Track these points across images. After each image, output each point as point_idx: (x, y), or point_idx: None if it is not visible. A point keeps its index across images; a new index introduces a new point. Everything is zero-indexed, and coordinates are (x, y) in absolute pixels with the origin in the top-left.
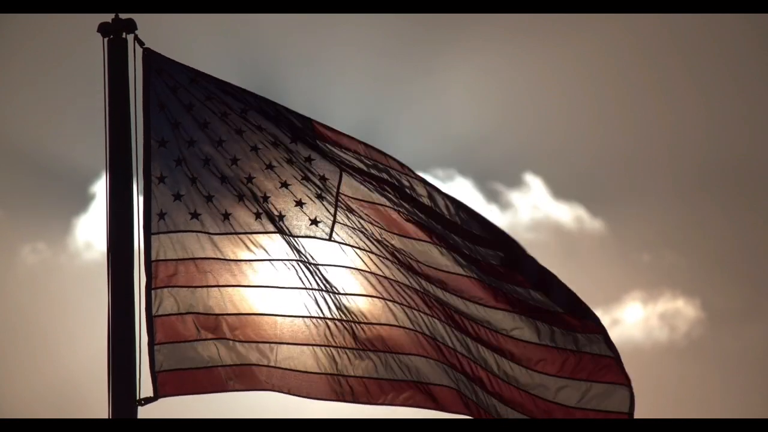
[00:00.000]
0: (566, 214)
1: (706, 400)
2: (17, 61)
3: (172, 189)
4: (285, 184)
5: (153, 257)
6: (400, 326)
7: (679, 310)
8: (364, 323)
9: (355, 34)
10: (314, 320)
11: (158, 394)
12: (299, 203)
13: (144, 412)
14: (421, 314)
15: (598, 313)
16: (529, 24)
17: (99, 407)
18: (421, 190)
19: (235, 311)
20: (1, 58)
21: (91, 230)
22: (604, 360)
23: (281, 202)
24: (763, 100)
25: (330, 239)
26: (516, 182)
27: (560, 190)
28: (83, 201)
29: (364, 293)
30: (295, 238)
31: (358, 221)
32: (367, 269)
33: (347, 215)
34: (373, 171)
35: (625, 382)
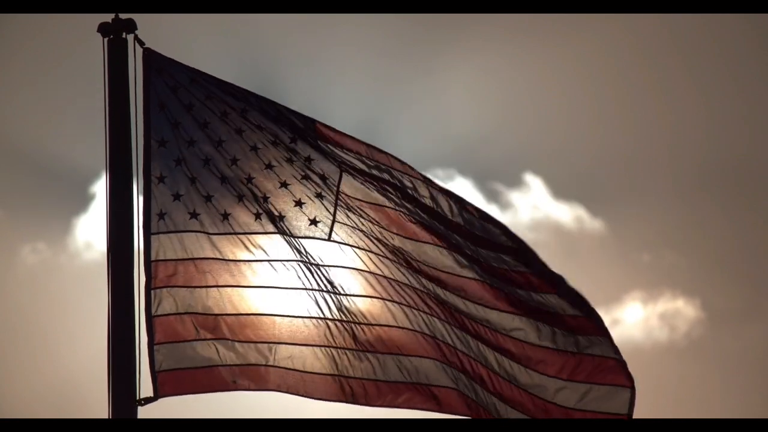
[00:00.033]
0: (566, 214)
1: (706, 400)
2: (17, 61)
3: (171, 189)
4: (284, 184)
5: (153, 257)
6: (399, 327)
7: (679, 310)
8: (364, 324)
9: (355, 34)
10: (314, 320)
11: (158, 393)
12: (298, 203)
13: (144, 412)
14: (421, 313)
15: (599, 312)
16: (529, 24)
17: (99, 407)
18: (423, 191)
19: (234, 311)
20: (1, 58)
21: (91, 230)
22: (607, 362)
23: (281, 203)
24: (763, 100)
25: (329, 239)
26: (516, 182)
27: (560, 190)
28: (83, 201)
29: (364, 294)
30: (295, 239)
31: (358, 220)
32: (366, 269)
33: (347, 214)
34: (374, 172)
35: (628, 383)
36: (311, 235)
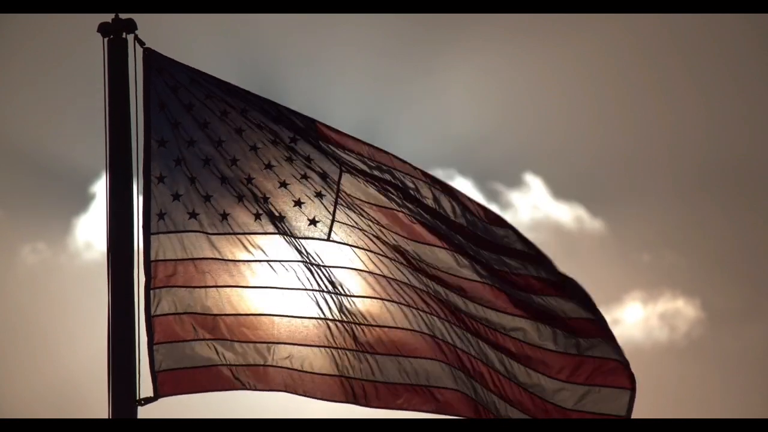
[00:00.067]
0: (566, 214)
1: (706, 400)
2: (17, 61)
3: (171, 189)
4: (284, 184)
5: (152, 257)
6: (398, 327)
7: (679, 310)
8: (364, 324)
9: (355, 34)
10: (313, 321)
11: (158, 393)
12: (298, 203)
13: (144, 412)
14: (420, 312)
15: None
16: (529, 24)
17: (99, 407)
18: (425, 192)
19: (233, 312)
20: (1, 58)
21: (91, 230)
22: (607, 363)
23: (280, 203)
24: (763, 100)
25: (328, 239)
26: (516, 182)
27: (560, 190)
28: (83, 201)
29: (363, 294)
30: (294, 239)
31: (358, 218)
32: (365, 269)
33: (346, 213)
34: (376, 173)
35: (628, 385)
36: (310, 235)
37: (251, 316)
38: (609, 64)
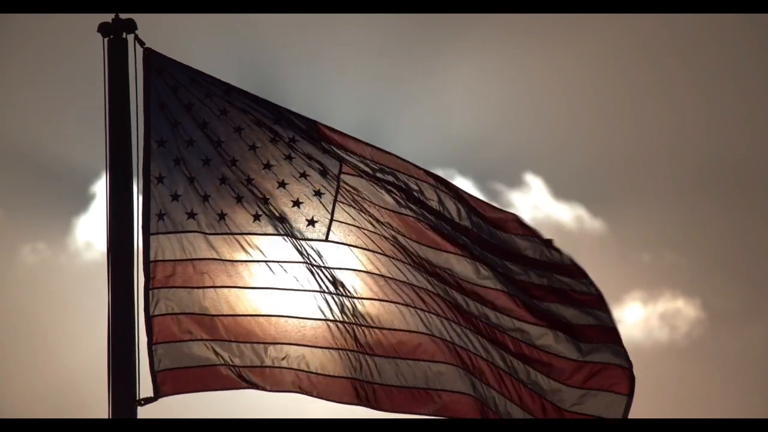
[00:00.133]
0: (566, 214)
1: (706, 400)
2: (17, 61)
3: (170, 189)
4: (282, 184)
5: (152, 257)
6: (397, 329)
7: (679, 310)
8: (363, 325)
9: (355, 34)
10: (311, 321)
11: (158, 393)
12: (296, 203)
13: (144, 412)
14: (418, 311)
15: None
16: (529, 24)
17: (99, 407)
18: (430, 194)
19: (231, 312)
20: (1, 58)
21: (91, 230)
22: (609, 368)
23: (279, 203)
24: (763, 100)
25: (327, 239)
26: (516, 182)
27: (560, 190)
28: (83, 201)
29: (362, 295)
30: (292, 239)
31: (358, 215)
32: (364, 269)
33: (346, 210)
34: (378, 174)
35: (626, 391)
36: (309, 235)
37: (249, 317)
38: (609, 64)
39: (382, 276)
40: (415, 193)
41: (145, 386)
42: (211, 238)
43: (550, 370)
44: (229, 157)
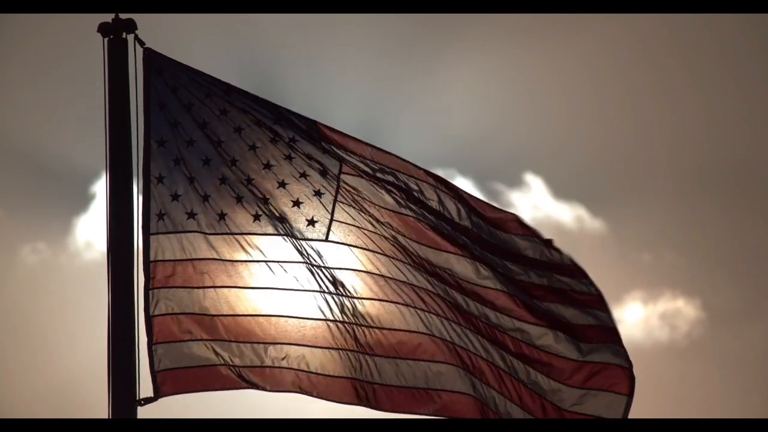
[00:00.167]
0: (566, 214)
1: (706, 400)
2: (17, 61)
3: (170, 189)
4: (282, 184)
5: (151, 257)
6: (397, 329)
7: (680, 310)
8: (363, 326)
9: (355, 34)
10: (310, 321)
11: (158, 393)
12: (296, 203)
13: (144, 412)
14: (417, 311)
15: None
16: (529, 24)
17: (99, 407)
18: (430, 194)
19: (231, 312)
20: (1, 58)
21: (91, 230)
22: (609, 368)
23: (279, 203)
24: (763, 100)
25: (327, 240)
26: (516, 182)
27: (560, 190)
28: (83, 201)
29: (362, 295)
30: (292, 239)
31: (358, 214)
32: (363, 269)
33: (345, 210)
34: (378, 175)
35: (626, 391)
36: (309, 235)
37: (249, 317)
38: (609, 64)
39: (382, 276)
40: (415, 193)
41: (145, 386)
42: (211, 238)
43: (550, 370)
44: (229, 157)
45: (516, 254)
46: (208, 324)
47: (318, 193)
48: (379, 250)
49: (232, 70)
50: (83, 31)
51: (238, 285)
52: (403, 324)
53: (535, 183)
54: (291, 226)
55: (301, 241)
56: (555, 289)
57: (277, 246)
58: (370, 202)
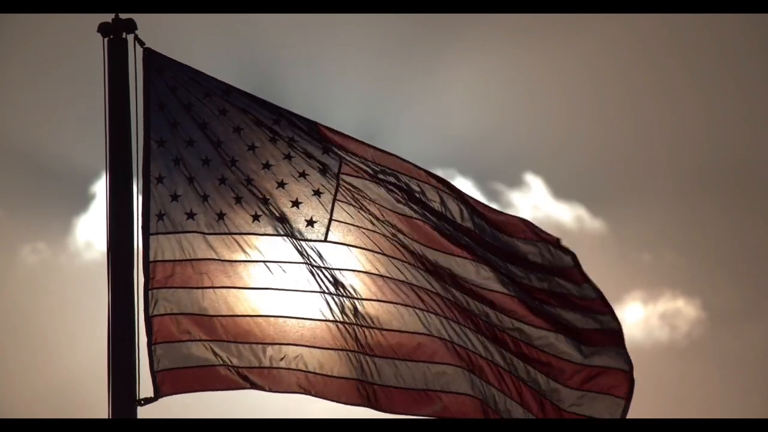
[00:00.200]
0: (567, 214)
1: (706, 400)
2: (17, 61)
3: (170, 189)
4: (282, 184)
5: (151, 258)
6: (396, 330)
7: (680, 310)
8: (362, 326)
9: (355, 34)
10: (309, 322)
11: (158, 393)
12: (295, 203)
13: (144, 412)
14: (417, 311)
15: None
16: (529, 24)
17: (99, 407)
18: (432, 195)
19: (230, 313)
20: (1, 58)
21: (91, 230)
22: (608, 372)
23: (278, 203)
24: (763, 100)
25: (326, 240)
26: (516, 182)
27: (560, 190)
28: (83, 201)
29: (361, 296)
30: (291, 240)
31: (357, 213)
32: (362, 269)
33: (345, 209)
34: (380, 176)
35: (624, 395)
36: (308, 235)
37: (247, 317)
38: (609, 64)
39: (381, 276)
40: (417, 194)
41: (145, 386)
42: (210, 238)
43: (550, 369)
44: (229, 158)
45: (517, 257)
46: (206, 324)
47: (317, 193)
48: (379, 250)
49: (232, 70)
50: (83, 31)
51: (237, 285)
52: (401, 325)
53: (535, 183)
54: (290, 226)
55: (301, 242)
56: (556, 293)
57: (276, 246)
58: (370, 199)
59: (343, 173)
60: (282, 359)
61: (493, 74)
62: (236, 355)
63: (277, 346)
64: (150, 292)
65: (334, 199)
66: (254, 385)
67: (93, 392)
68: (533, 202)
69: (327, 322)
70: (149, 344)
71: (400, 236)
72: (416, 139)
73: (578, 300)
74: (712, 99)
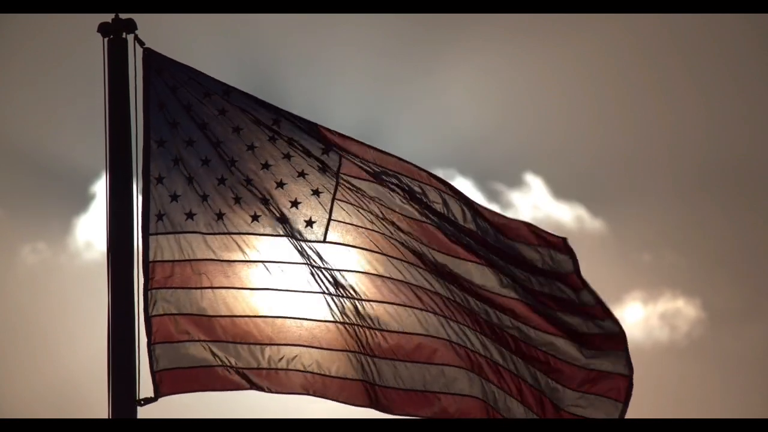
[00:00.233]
0: (567, 214)
1: (706, 400)
2: (17, 61)
3: (169, 189)
4: (281, 184)
5: (151, 258)
6: (395, 330)
7: (680, 310)
8: (363, 326)
9: (355, 34)
10: (308, 322)
11: (158, 393)
12: (294, 203)
13: (144, 412)
14: (416, 311)
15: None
16: (529, 24)
17: (99, 407)
18: (434, 196)
19: (229, 313)
20: (1, 58)
21: (91, 230)
22: (609, 376)
23: (277, 204)
24: (763, 100)
25: (325, 240)
26: (516, 182)
27: (560, 190)
28: (83, 201)
29: (361, 296)
30: (291, 240)
31: (356, 212)
32: (362, 269)
33: (344, 209)
34: (382, 177)
35: (622, 398)
36: (307, 236)
37: (246, 318)
38: (609, 64)
39: (380, 276)
40: (419, 195)
41: (145, 386)
42: (210, 238)
43: (549, 369)
44: (228, 158)
45: (520, 260)
46: (205, 325)
47: (316, 192)
48: (378, 249)
49: (232, 70)
50: (83, 31)
51: (236, 286)
52: (400, 326)
53: (535, 183)
54: (290, 226)
55: (300, 242)
56: (557, 297)
57: (275, 246)
58: (370, 198)
59: (342, 171)
60: (281, 359)
61: (493, 74)
62: (235, 355)
63: (276, 346)
64: (149, 292)
65: (333, 198)
66: (253, 386)
67: (93, 392)
68: (533, 202)
69: (326, 323)
70: (149, 344)
71: (400, 234)
72: (416, 139)
73: (579, 306)
74: (712, 99)
